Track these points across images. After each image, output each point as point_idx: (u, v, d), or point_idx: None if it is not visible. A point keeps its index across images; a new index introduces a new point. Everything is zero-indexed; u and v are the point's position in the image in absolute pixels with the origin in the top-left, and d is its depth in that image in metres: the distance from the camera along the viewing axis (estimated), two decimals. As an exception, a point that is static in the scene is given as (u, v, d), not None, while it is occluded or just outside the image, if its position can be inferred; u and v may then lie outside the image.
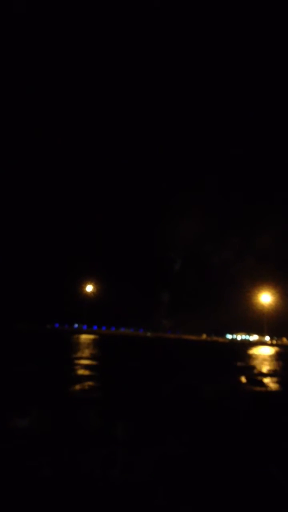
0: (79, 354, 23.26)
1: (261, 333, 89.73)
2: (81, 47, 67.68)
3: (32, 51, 63.56)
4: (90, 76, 71.45)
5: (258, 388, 12.61)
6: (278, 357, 35.09)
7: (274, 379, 15.52)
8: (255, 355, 36.87)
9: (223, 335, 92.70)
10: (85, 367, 15.65)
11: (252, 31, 67.80)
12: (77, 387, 10.62)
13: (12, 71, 65.26)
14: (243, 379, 14.62)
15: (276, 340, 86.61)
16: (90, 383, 11.37)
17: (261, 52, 69.34)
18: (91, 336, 61.12)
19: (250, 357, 32.78)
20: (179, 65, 71.27)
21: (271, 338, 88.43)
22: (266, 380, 14.78)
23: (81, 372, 14.00)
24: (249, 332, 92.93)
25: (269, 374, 17.32)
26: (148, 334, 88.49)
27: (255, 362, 25.90)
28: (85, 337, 55.33)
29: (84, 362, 17.89)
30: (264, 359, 30.07)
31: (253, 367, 21.24)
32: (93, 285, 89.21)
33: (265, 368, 20.88)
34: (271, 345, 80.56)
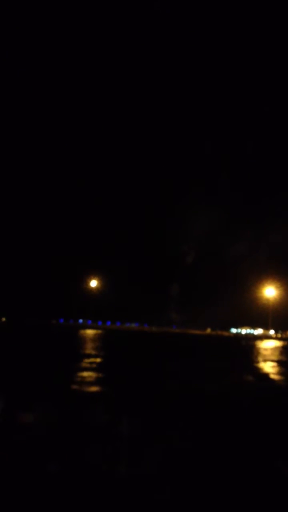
0: (82, 349, 23.32)
1: (266, 327, 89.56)
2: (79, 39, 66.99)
3: (32, 51, 63.45)
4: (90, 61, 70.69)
5: (263, 382, 12.60)
6: (283, 350, 35.03)
7: (280, 373, 15.49)
8: (260, 349, 36.84)
9: (228, 329, 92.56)
10: (89, 361, 15.68)
11: (252, 31, 67.30)
12: (80, 381, 10.64)
13: (12, 70, 65.11)
14: (248, 373, 14.60)
15: (281, 334, 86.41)
16: (92, 377, 11.39)
17: (271, 43, 68.34)
18: (95, 331, 61.28)
19: (255, 351, 32.75)
20: (185, 55, 70.70)
21: (276, 332, 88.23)
22: (272, 374, 14.76)
23: (84, 366, 14.03)
24: (254, 326, 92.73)
25: (274, 368, 17.29)
26: (153, 329, 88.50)
27: (260, 356, 25.87)
28: (89, 332, 55.48)
29: (87, 355, 17.93)
30: (269, 353, 30.03)
31: (258, 361, 21.22)
32: (97, 280, 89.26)
33: (270, 362, 20.85)
34: (276, 338, 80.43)
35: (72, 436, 5.74)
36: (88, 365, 14.44)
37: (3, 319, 72.83)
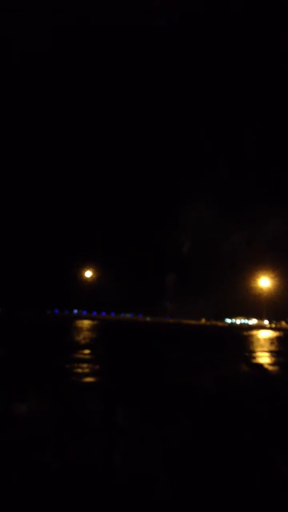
0: (76, 339, 23.29)
1: (260, 317, 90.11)
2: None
3: (31, 50, 62.68)
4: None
5: (257, 372, 12.60)
6: (277, 340, 35.23)
7: (274, 362, 15.52)
8: (254, 338, 37.02)
9: (222, 319, 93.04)
10: (82, 352, 15.64)
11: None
12: (74, 371, 10.58)
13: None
14: (242, 363, 14.61)
15: (275, 324, 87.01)
16: (86, 367, 11.33)
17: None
18: (90, 321, 61.37)
19: (249, 340, 32.90)
20: (185, 46, 69.98)
21: (270, 322, 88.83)
22: (266, 363, 14.77)
23: (77, 357, 13.98)
24: (248, 316, 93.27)
25: (268, 358, 17.34)
26: (148, 319, 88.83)
27: (254, 346, 25.98)
28: (84, 323, 55.54)
29: (81, 346, 17.90)
30: (263, 343, 30.18)
31: (252, 351, 21.28)
32: (92, 271, 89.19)
33: (264, 352, 20.93)
34: (270, 328, 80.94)
35: (67, 426, 5.66)
36: (81, 356, 14.38)
37: (-2, 310, 72.79)
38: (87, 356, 14.34)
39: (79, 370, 10.86)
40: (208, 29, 63.87)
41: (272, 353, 20.57)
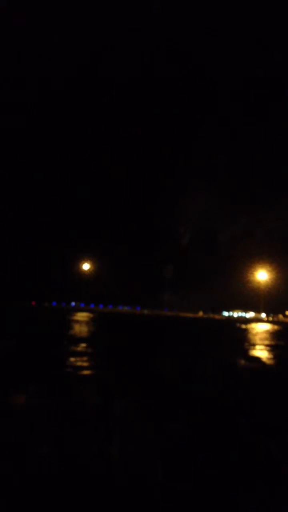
0: (73, 331, 23.30)
1: (258, 310, 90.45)
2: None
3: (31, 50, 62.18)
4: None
5: (254, 364, 12.62)
6: (274, 333, 35.35)
7: (270, 355, 15.56)
8: (251, 331, 37.14)
9: (220, 312, 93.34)
10: (79, 344, 15.64)
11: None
12: (71, 363, 10.57)
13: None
14: (239, 356, 14.64)
15: (273, 317, 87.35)
16: (82, 360, 11.33)
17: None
18: (87, 314, 61.44)
19: (246, 333, 32.99)
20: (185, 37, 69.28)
21: (268, 315, 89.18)
22: (262, 356, 14.81)
23: (74, 350, 13.98)
24: (246, 309, 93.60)
25: (265, 351, 17.39)
26: (145, 311, 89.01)
27: (251, 339, 26.06)
28: (81, 315, 55.59)
29: (78, 339, 17.90)
30: (260, 336, 30.28)
31: (249, 344, 21.34)
32: (90, 264, 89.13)
33: (261, 345, 20.99)
34: (268, 322, 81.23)
35: (62, 419, 5.66)
36: (78, 348, 14.38)
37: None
38: (84, 349, 14.34)
39: (77, 363, 10.87)
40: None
41: (269, 346, 20.64)
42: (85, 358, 11.63)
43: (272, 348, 19.30)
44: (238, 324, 57.51)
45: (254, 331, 37.76)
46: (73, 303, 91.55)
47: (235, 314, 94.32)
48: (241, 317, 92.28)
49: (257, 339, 25.79)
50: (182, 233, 78.59)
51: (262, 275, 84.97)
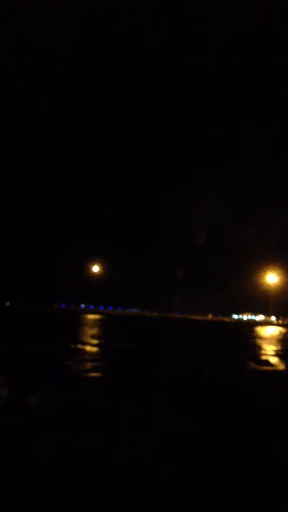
0: (82, 334, 23.38)
1: (267, 313, 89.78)
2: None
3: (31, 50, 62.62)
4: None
5: (264, 367, 12.57)
6: (284, 336, 35.08)
7: (281, 358, 15.47)
8: (261, 335, 36.91)
9: (229, 315, 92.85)
10: (89, 347, 15.68)
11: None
12: (79, 366, 10.62)
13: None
14: (249, 359, 14.58)
15: (282, 320, 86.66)
16: (92, 362, 11.37)
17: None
18: (96, 316, 61.50)
19: (256, 336, 32.80)
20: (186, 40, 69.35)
21: (277, 318, 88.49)
22: (273, 359, 14.73)
23: (82, 352, 14.03)
24: (255, 312, 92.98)
25: (276, 354, 17.28)
26: (154, 314, 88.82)
27: (261, 342, 25.91)
28: (90, 317, 55.69)
29: (86, 342, 17.95)
30: (270, 339, 30.08)
31: (259, 347, 21.23)
32: (99, 266, 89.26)
33: (271, 348, 20.85)
34: (277, 325, 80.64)
35: (73, 418, 5.70)
36: (87, 349, 14.43)
37: (8, 303, 73.26)
38: (93, 349, 14.39)
39: (85, 364, 10.92)
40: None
41: (279, 349, 20.51)
42: (93, 359, 11.69)
43: (282, 351, 19.18)
44: (248, 327, 57.19)
45: (264, 335, 37.51)
46: (82, 305, 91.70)
47: (245, 317, 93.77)
48: (251, 320, 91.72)
49: (266, 343, 25.64)
50: (194, 235, 78.48)
51: (272, 278, 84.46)
